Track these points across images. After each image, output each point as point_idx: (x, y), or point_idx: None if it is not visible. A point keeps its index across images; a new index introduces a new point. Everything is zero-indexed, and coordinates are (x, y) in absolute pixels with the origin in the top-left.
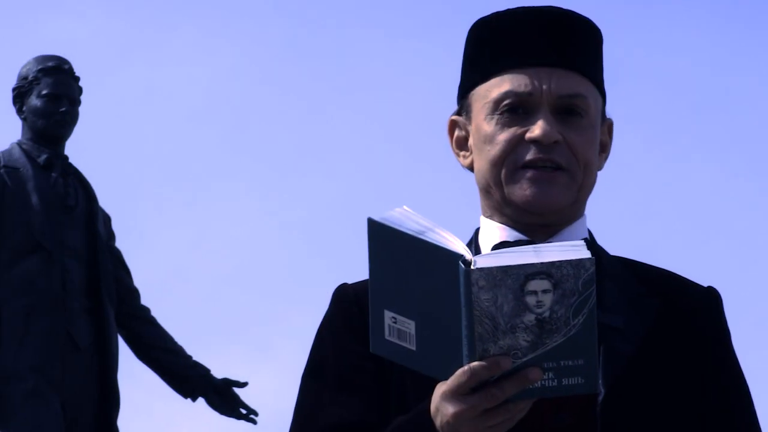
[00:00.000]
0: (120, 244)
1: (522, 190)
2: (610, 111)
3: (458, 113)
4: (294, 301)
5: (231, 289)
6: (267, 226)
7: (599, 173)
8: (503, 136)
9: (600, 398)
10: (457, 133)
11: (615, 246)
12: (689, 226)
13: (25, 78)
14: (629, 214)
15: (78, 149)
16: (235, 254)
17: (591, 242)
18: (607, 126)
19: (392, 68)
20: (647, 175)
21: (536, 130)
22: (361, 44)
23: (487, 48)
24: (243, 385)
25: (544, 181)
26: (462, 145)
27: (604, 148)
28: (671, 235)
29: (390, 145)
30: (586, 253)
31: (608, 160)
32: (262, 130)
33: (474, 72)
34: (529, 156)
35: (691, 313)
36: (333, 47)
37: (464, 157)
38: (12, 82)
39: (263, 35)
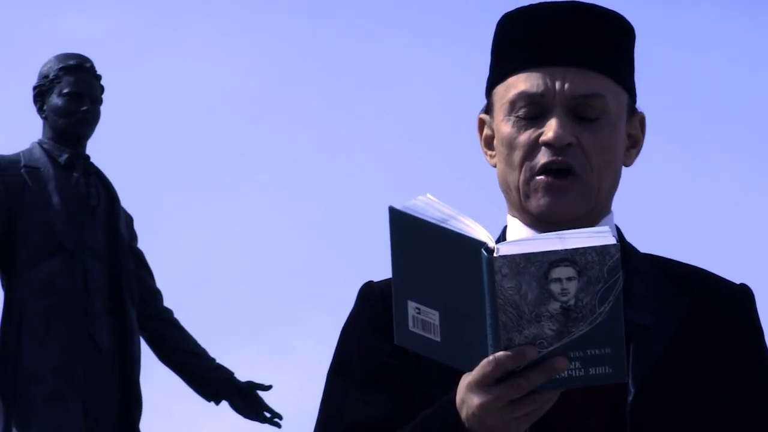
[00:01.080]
0: (138, 243)
1: (536, 200)
2: (639, 108)
3: (486, 111)
4: (314, 300)
5: (250, 289)
6: (286, 225)
7: (628, 168)
8: (520, 140)
9: (629, 398)
10: (485, 131)
11: (645, 243)
12: (721, 222)
13: (46, 76)
14: (659, 211)
15: (97, 148)
16: (253, 254)
17: (620, 239)
18: (639, 120)
19: (413, 65)
20: (677, 172)
21: (549, 132)
22: (381, 41)
23: (506, 45)
24: (267, 388)
25: (558, 190)
26: (489, 143)
27: (635, 143)
28: (702, 232)
29: (411, 143)
30: (611, 239)
31: (638, 157)
32: (281, 128)
33: (495, 70)
34: (543, 159)
35: (723, 312)
36: (352, 44)
37: (491, 156)
38: (31, 80)
39: (281, 32)
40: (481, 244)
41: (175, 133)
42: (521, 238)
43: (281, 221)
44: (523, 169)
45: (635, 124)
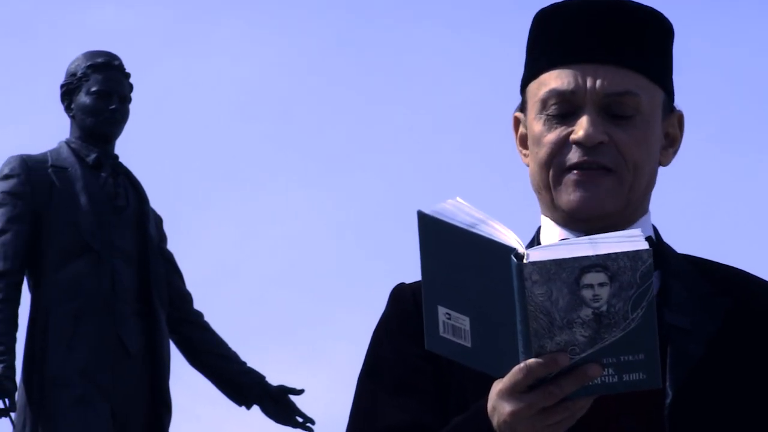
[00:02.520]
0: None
1: (567, 195)
2: (677, 106)
3: (520, 109)
4: (344, 301)
5: (279, 290)
6: (316, 223)
7: (666, 168)
8: (549, 138)
9: (667, 402)
10: (520, 129)
11: (682, 244)
12: (761, 223)
13: (74, 74)
14: (697, 212)
15: (124, 147)
16: (283, 253)
17: (657, 240)
18: (677, 118)
19: (446, 60)
20: (716, 171)
21: (579, 131)
22: (413, 34)
23: (539, 42)
24: (299, 392)
25: (589, 183)
26: (524, 142)
27: (673, 142)
28: (741, 232)
29: (443, 140)
30: (643, 244)
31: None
32: (311, 124)
33: (528, 67)
34: (573, 158)
35: (763, 313)
36: (383, 38)
37: (525, 155)
38: (57, 75)
39: (311, 26)
40: (511, 250)
41: (202, 130)
42: (552, 243)
43: (311, 220)
44: (552, 166)
45: (673, 123)
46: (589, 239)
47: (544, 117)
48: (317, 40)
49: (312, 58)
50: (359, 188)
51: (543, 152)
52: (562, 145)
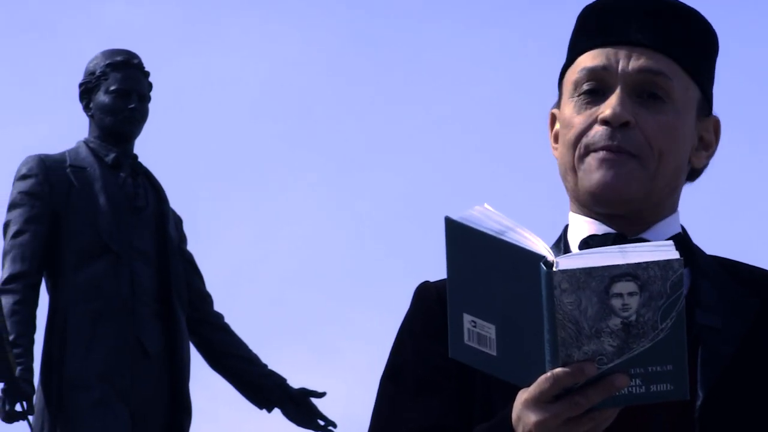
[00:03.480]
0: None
1: (589, 174)
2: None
3: (557, 105)
4: (363, 301)
5: (295, 289)
6: (334, 223)
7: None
8: (578, 119)
9: (698, 402)
10: (555, 126)
11: (712, 246)
12: None
13: (92, 73)
14: (726, 213)
15: (141, 146)
16: (300, 253)
17: (685, 240)
18: (713, 124)
19: (466, 56)
20: (744, 172)
21: (606, 109)
22: (433, 33)
23: (580, 33)
24: (321, 395)
25: (612, 164)
26: (558, 138)
27: (707, 147)
28: None
29: (463, 138)
30: (674, 254)
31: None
32: (329, 122)
33: (567, 57)
34: (598, 141)
35: None
36: (401, 33)
37: (556, 149)
38: (73, 71)
39: (327, 21)
40: (540, 258)
41: (217, 128)
42: (581, 251)
43: (329, 220)
44: (578, 146)
45: (708, 127)
46: (620, 248)
47: (575, 99)
48: (334, 37)
49: (329, 55)
50: (377, 187)
51: (571, 133)
52: (590, 125)
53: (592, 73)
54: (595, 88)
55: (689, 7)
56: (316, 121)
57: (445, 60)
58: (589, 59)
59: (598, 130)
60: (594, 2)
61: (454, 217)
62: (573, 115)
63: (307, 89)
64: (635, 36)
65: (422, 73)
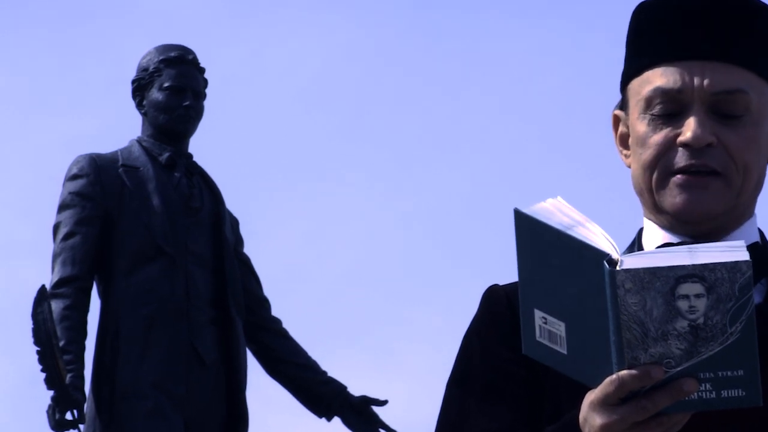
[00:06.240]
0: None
1: (672, 198)
2: None
3: (621, 107)
4: (420, 301)
5: (350, 289)
6: (389, 220)
7: None
8: (654, 139)
9: None
10: (620, 129)
11: None
12: None
13: (146, 69)
14: None
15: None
16: (354, 251)
17: (763, 244)
18: None
19: (527, 48)
20: None
21: (687, 132)
22: (492, 22)
23: (641, 37)
24: (383, 403)
25: (696, 187)
26: (625, 142)
27: None
28: None
29: (524, 131)
30: (743, 255)
31: None
32: (382, 115)
33: (629, 64)
34: (680, 162)
35: None
36: (459, 22)
37: (626, 156)
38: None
39: (382, 9)
40: (604, 256)
41: (266, 123)
42: (648, 250)
43: (384, 216)
44: (657, 168)
45: None
46: (688, 248)
47: (648, 117)
48: (389, 26)
49: (384, 45)
50: (435, 183)
51: (648, 154)
52: (669, 147)
53: (666, 95)
54: (670, 108)
55: (757, 3)
56: (371, 114)
57: (505, 49)
58: (661, 78)
59: (679, 151)
60: (653, 3)
61: (524, 209)
62: (648, 133)
63: (361, 81)
64: (706, 50)
65: (481, 64)
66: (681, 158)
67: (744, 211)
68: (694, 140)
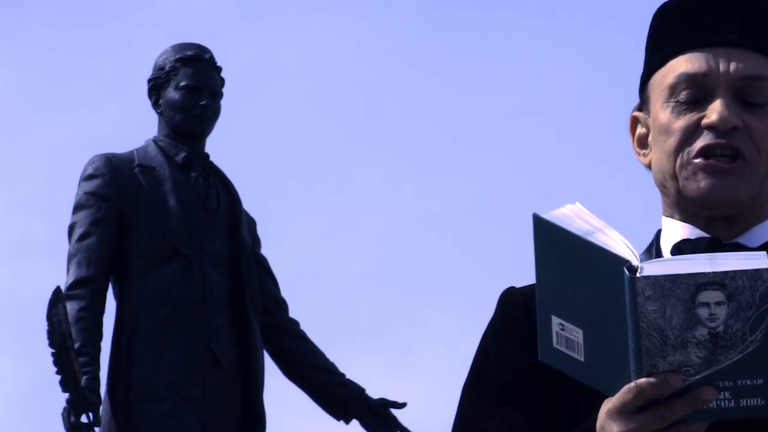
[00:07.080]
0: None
1: (696, 183)
2: None
3: (639, 108)
4: (437, 302)
5: (367, 290)
6: (406, 220)
7: None
8: (679, 124)
9: None
10: (638, 130)
11: None
12: None
13: (162, 68)
14: None
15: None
16: (371, 251)
17: None
18: None
19: (545, 46)
20: None
21: (712, 114)
22: (511, 17)
23: (665, 31)
24: (401, 405)
25: (721, 172)
26: (643, 143)
27: None
28: None
29: (544, 130)
30: (764, 263)
31: None
32: (401, 114)
33: (651, 58)
34: (704, 142)
35: None
36: (478, 20)
37: (644, 155)
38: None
39: (399, 5)
40: (624, 262)
41: (281, 122)
42: (668, 258)
43: (401, 216)
44: (681, 154)
45: None
46: (709, 256)
47: (672, 104)
48: (406, 23)
49: (401, 42)
50: (453, 182)
51: (672, 140)
52: (693, 131)
53: (691, 80)
54: (696, 93)
55: None
56: (388, 111)
57: (524, 47)
58: (685, 64)
59: (703, 135)
60: (675, 2)
61: (543, 215)
62: (672, 120)
63: (377, 80)
64: (731, 35)
65: (500, 61)
66: (704, 139)
67: (766, 201)
68: (720, 122)
